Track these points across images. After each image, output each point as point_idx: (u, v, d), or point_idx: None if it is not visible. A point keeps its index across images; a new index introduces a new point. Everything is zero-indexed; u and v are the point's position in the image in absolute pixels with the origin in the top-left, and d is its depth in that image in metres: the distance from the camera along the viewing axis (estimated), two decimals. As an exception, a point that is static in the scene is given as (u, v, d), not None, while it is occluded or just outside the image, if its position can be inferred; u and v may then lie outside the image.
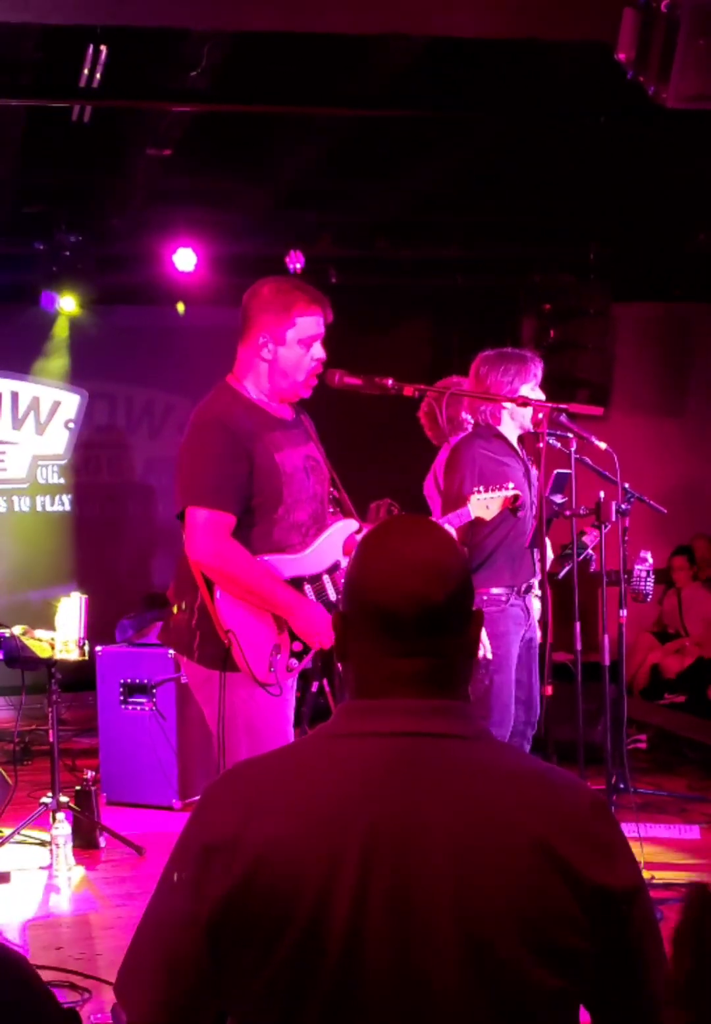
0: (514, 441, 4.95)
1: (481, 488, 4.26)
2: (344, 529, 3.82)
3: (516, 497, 4.18)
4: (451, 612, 1.65)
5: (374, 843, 1.55)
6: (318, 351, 3.73)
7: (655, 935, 1.64)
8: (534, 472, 4.86)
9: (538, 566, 4.90)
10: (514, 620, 4.76)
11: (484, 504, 4.28)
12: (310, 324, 3.70)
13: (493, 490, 4.28)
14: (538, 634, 4.91)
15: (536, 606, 4.92)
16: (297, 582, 3.67)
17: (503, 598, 4.73)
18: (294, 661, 3.64)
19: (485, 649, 4.51)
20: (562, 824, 1.58)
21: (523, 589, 4.79)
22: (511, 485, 4.29)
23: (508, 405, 4.77)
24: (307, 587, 3.69)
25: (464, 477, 4.68)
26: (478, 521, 4.41)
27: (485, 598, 4.63)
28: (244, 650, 3.53)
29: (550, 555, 4.97)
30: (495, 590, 4.71)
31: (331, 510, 3.90)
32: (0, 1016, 1.38)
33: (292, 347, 3.68)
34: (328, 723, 1.69)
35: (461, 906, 1.53)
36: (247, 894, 1.56)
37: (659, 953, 1.64)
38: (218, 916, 1.58)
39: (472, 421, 5.04)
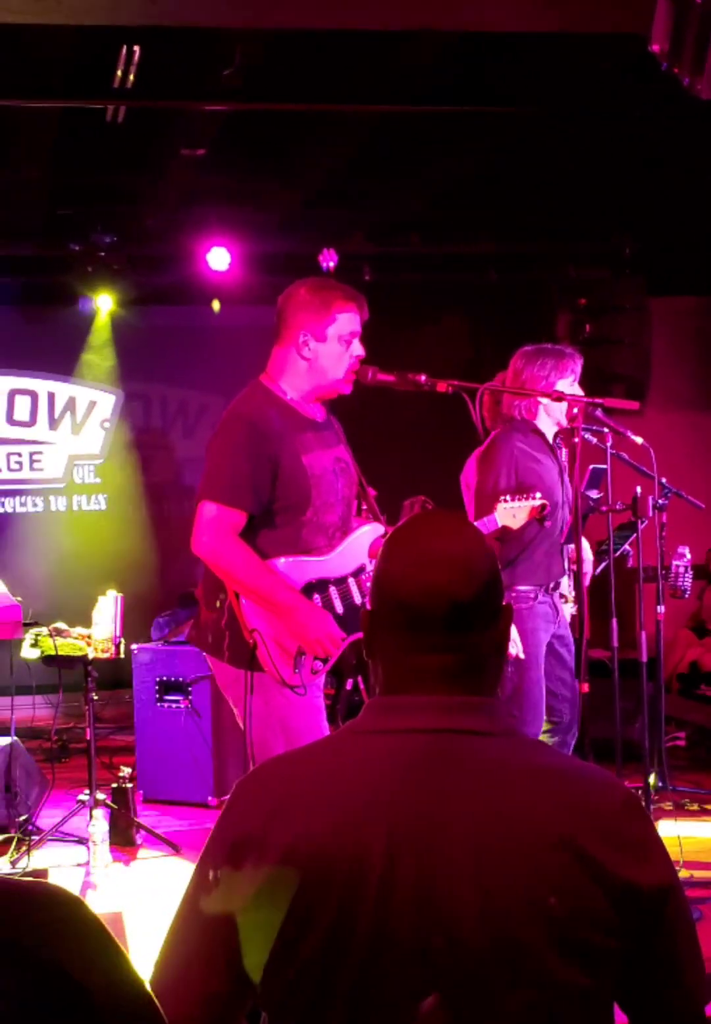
0: (550, 437, 4.93)
1: (508, 497, 4.24)
2: (370, 533, 3.82)
3: (543, 506, 4.15)
4: (479, 608, 1.64)
5: (400, 839, 1.54)
6: (357, 348, 3.74)
7: (690, 934, 1.61)
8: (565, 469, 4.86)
9: (569, 564, 4.89)
10: (543, 617, 4.74)
11: (511, 513, 4.26)
12: (349, 321, 3.71)
13: (520, 499, 4.25)
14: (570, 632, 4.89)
15: (567, 608, 4.90)
16: (322, 585, 3.66)
17: (531, 595, 4.71)
18: (319, 663, 3.62)
19: (517, 647, 4.49)
20: (591, 821, 1.56)
21: (551, 587, 4.78)
22: (538, 495, 4.26)
23: (544, 400, 4.74)
24: (332, 589, 3.68)
25: (499, 474, 4.66)
26: (505, 529, 4.39)
27: (513, 595, 4.61)
28: (269, 650, 3.53)
29: (589, 557, 4.95)
30: (522, 587, 4.68)
31: (358, 514, 3.90)
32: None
33: (332, 344, 3.69)
34: (356, 719, 1.69)
35: (486, 903, 1.52)
36: (276, 889, 1.56)
37: (694, 952, 1.62)
38: (247, 911, 1.58)
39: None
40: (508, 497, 4.26)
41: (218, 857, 1.63)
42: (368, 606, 1.71)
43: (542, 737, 4.71)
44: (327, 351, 3.70)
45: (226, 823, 1.66)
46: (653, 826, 1.65)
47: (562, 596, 4.88)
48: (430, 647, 1.63)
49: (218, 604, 3.67)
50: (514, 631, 4.59)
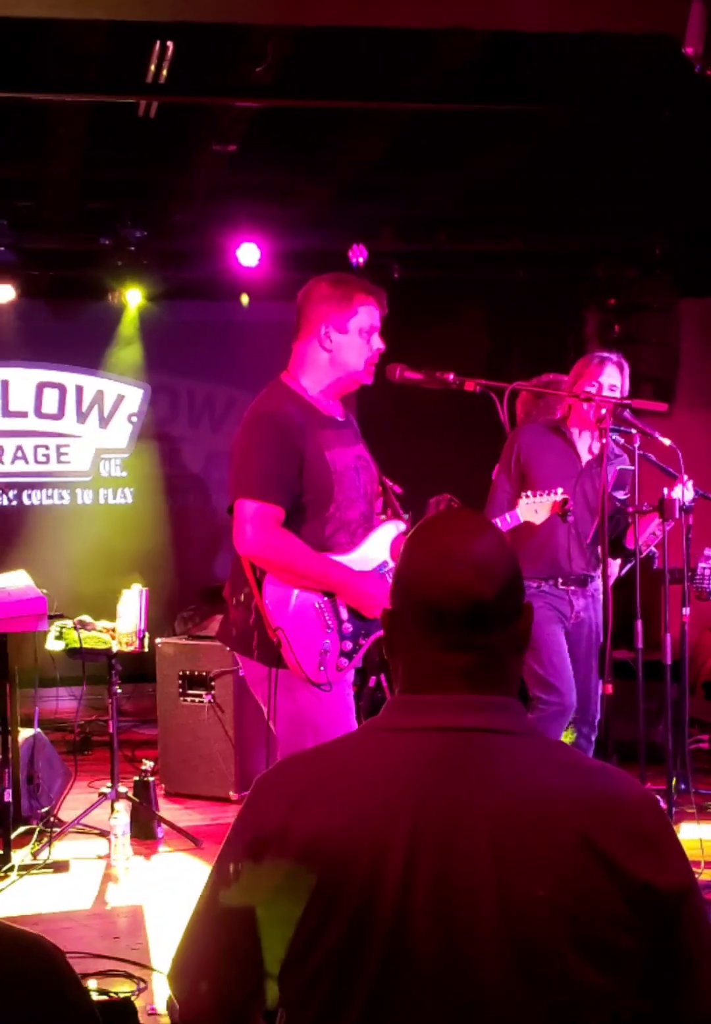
0: (575, 436, 4.94)
1: (530, 493, 4.25)
2: (391, 529, 3.82)
3: (565, 502, 4.16)
4: (501, 607, 1.64)
5: (419, 837, 1.55)
6: (377, 342, 3.75)
7: (707, 934, 1.61)
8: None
9: (591, 562, 4.91)
10: (547, 605, 4.85)
11: (533, 508, 4.26)
12: (369, 314, 3.74)
13: (542, 495, 4.26)
14: (597, 632, 4.91)
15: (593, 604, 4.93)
16: None
17: (533, 586, 4.83)
18: (344, 660, 3.63)
19: None
20: (609, 821, 1.56)
21: (559, 582, 4.84)
22: (559, 490, 4.27)
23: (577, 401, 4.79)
24: None
25: (502, 467, 4.76)
26: (528, 525, 4.40)
27: None
28: (293, 648, 3.54)
29: (614, 560, 4.97)
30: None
31: (381, 514, 3.91)
32: (31, 1004, 1.40)
33: (353, 336, 3.70)
34: (377, 717, 1.70)
35: (504, 901, 1.52)
36: (296, 885, 1.56)
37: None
38: (267, 906, 1.59)
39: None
40: (530, 493, 4.27)
41: (238, 851, 1.64)
42: (389, 604, 1.72)
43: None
44: (348, 343, 3.71)
45: (247, 818, 1.66)
46: (671, 826, 1.65)
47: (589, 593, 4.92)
48: (452, 645, 1.63)
49: (245, 601, 3.68)
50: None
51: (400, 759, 1.61)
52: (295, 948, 1.58)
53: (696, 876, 1.64)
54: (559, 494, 4.30)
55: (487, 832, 1.54)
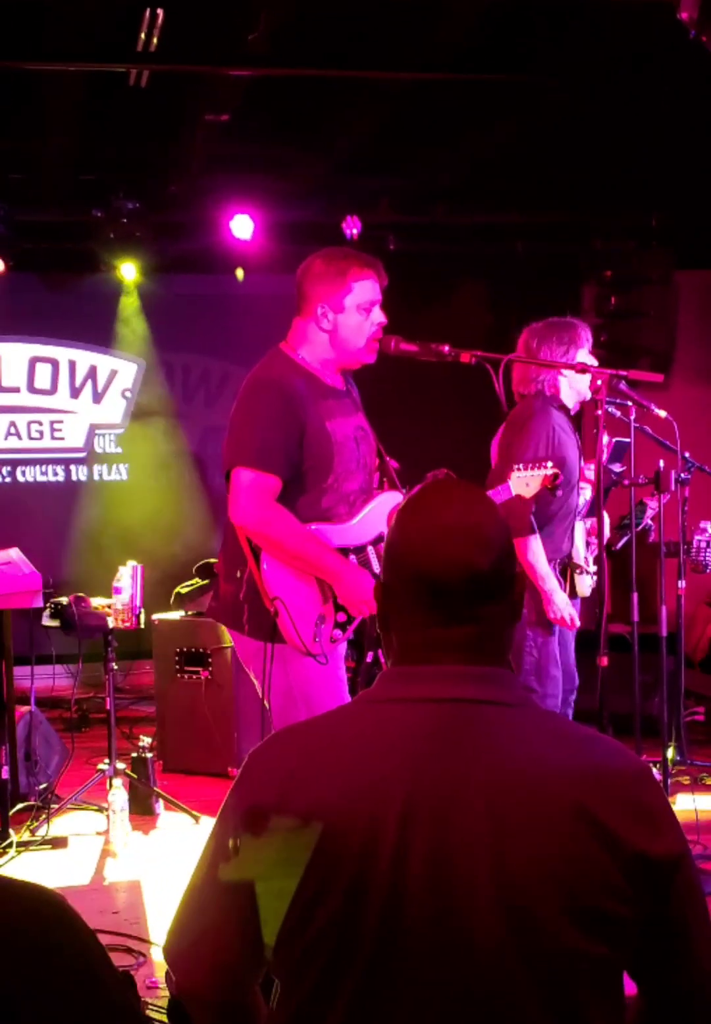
0: (571, 412, 4.91)
1: (521, 466, 4.22)
2: (389, 500, 3.80)
3: (556, 475, 4.13)
4: (496, 578, 1.63)
5: (414, 808, 1.54)
6: (378, 315, 3.72)
7: (700, 904, 1.62)
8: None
9: (586, 539, 4.88)
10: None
11: (524, 482, 4.23)
12: (367, 289, 3.69)
13: (533, 468, 4.22)
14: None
15: (586, 581, 4.88)
16: (342, 552, 3.65)
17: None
18: (338, 632, 3.62)
19: (565, 612, 4.56)
20: (603, 791, 1.56)
21: (559, 563, 4.78)
22: (550, 464, 4.23)
23: (567, 373, 4.71)
24: (352, 558, 3.68)
25: (538, 444, 4.65)
26: (518, 498, 4.37)
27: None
28: (293, 617, 3.51)
29: (606, 531, 4.93)
30: None
31: (379, 485, 3.89)
32: (58, 967, 1.38)
33: (351, 314, 3.67)
34: (371, 689, 1.69)
35: (499, 871, 1.52)
36: (291, 856, 1.55)
37: (704, 922, 1.62)
38: (262, 878, 1.58)
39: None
40: (521, 466, 4.24)
41: (234, 824, 1.63)
42: (381, 576, 1.70)
43: None
44: (346, 321, 3.67)
45: (242, 790, 1.65)
46: (665, 796, 1.65)
47: (579, 568, 4.86)
48: (448, 619, 1.62)
49: (238, 576, 3.66)
50: (563, 599, 4.62)
51: (394, 731, 1.60)
52: (291, 920, 1.57)
53: (690, 846, 1.63)
54: (550, 468, 4.27)
55: (482, 803, 1.54)
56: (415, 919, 1.52)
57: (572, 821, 1.53)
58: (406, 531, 1.66)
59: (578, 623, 4.77)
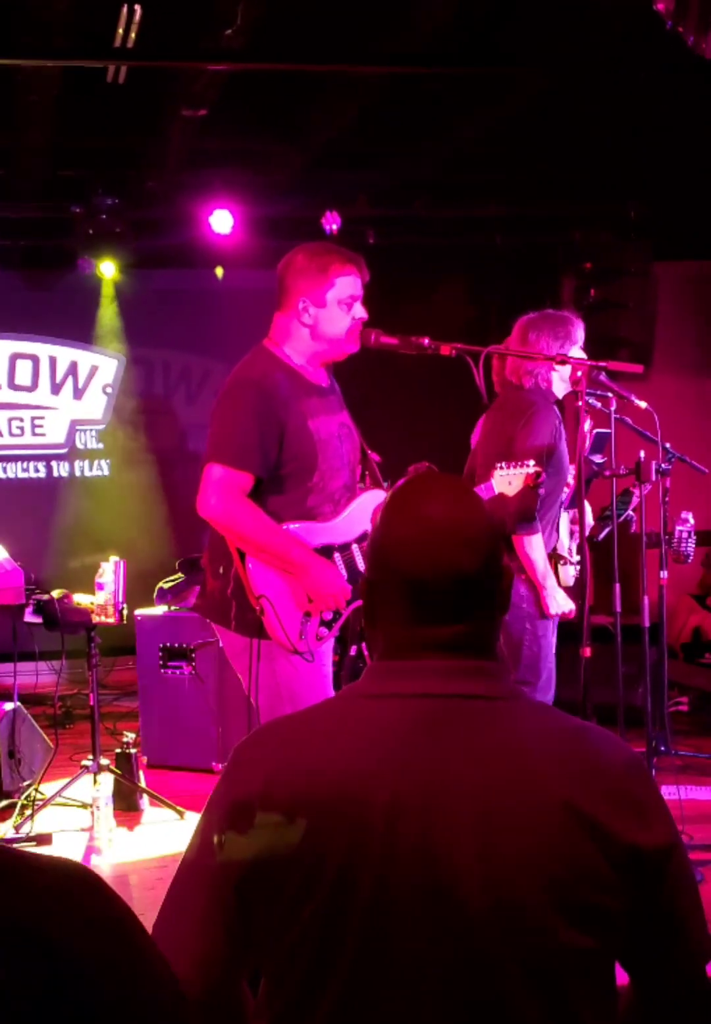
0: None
1: (503, 464, 4.22)
2: (373, 498, 3.80)
3: (538, 474, 4.13)
4: (484, 578, 1.61)
5: (402, 802, 1.53)
6: (359, 311, 3.72)
7: (691, 893, 1.62)
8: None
9: (570, 530, 4.88)
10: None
11: (507, 480, 4.23)
12: (348, 284, 3.69)
13: (515, 466, 4.22)
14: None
15: (569, 571, 4.89)
16: (327, 550, 3.65)
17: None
18: (324, 630, 3.62)
19: (561, 605, 4.54)
20: (592, 783, 1.55)
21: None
22: (532, 462, 4.23)
23: (558, 367, 4.71)
24: (337, 556, 3.67)
25: (544, 439, 4.60)
26: (501, 496, 4.36)
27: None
28: (279, 615, 3.52)
29: (589, 521, 4.93)
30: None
31: (361, 481, 3.89)
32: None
33: (332, 308, 3.67)
34: (357, 683, 1.67)
35: (488, 865, 1.51)
36: (277, 852, 1.55)
37: (696, 911, 1.62)
38: (247, 873, 1.57)
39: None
40: (504, 464, 4.24)
41: (219, 819, 1.62)
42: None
43: None
44: (327, 316, 3.67)
45: (227, 785, 1.65)
46: (655, 786, 1.64)
47: (562, 558, 4.87)
48: (436, 619, 1.60)
49: (223, 572, 3.66)
50: (561, 594, 4.61)
51: (380, 726, 1.59)
52: (276, 916, 1.57)
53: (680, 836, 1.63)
54: (532, 466, 4.27)
55: (469, 798, 1.53)
56: (402, 914, 1.52)
57: (560, 816, 1.52)
58: (391, 531, 1.63)
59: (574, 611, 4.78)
